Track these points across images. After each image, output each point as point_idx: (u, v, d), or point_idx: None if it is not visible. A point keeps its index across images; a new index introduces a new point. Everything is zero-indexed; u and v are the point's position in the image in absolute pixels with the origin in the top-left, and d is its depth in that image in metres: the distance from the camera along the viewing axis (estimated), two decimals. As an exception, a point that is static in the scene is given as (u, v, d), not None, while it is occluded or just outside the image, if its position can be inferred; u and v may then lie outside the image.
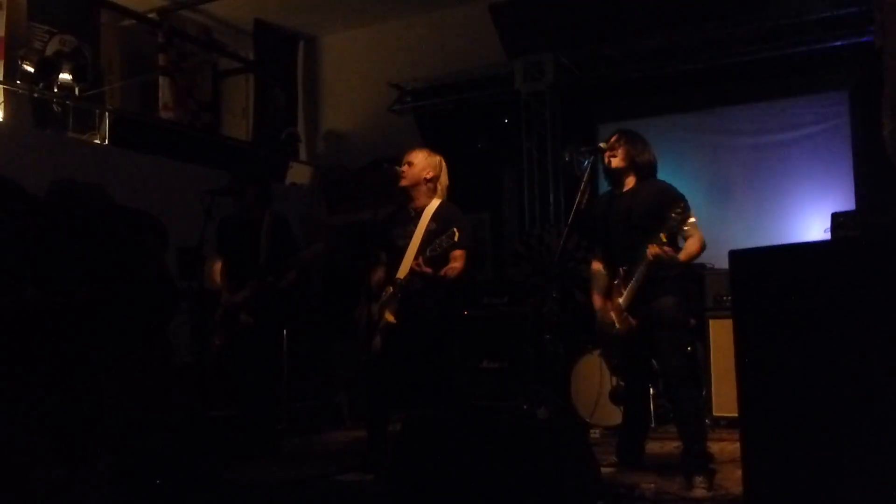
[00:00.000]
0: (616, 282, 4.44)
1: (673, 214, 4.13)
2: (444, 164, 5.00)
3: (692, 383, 4.42)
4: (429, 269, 4.61)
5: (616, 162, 4.50)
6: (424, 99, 9.18)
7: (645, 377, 4.86)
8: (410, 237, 4.83)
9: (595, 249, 4.81)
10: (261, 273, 5.51)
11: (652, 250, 4.15)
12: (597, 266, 4.71)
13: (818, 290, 2.84)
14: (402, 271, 4.74)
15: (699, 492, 4.04)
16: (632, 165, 4.50)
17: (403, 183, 4.90)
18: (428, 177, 4.91)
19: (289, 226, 5.83)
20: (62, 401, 1.50)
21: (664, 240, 4.13)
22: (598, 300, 4.62)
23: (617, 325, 4.42)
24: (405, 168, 4.92)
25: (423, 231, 4.80)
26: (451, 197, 5.03)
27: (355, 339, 4.96)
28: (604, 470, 4.27)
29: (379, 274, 4.97)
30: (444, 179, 4.97)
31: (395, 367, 4.79)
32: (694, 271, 5.43)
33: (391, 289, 4.77)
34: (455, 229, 4.53)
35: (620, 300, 4.39)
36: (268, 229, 5.61)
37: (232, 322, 5.55)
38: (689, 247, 4.32)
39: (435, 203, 4.90)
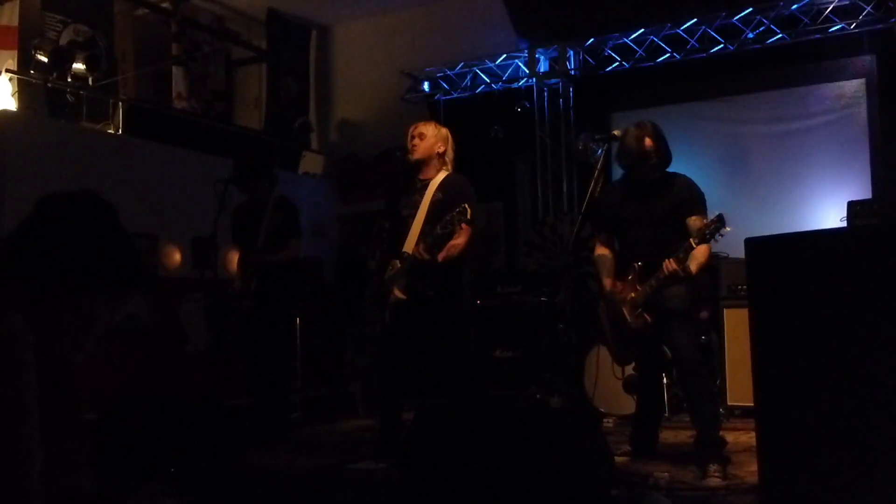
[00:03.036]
0: (630, 276, 4.40)
1: (707, 232, 4.09)
2: (451, 137, 4.93)
3: (704, 371, 4.38)
4: (427, 257, 4.49)
5: (644, 149, 4.31)
6: (438, 88, 9.16)
7: (658, 366, 4.83)
8: (416, 207, 4.74)
9: (600, 234, 4.71)
10: (257, 254, 5.50)
11: (668, 266, 4.13)
12: (601, 251, 4.63)
13: (835, 278, 2.81)
14: (409, 244, 4.63)
15: (713, 481, 4.01)
16: (657, 156, 4.36)
17: (416, 155, 4.81)
18: (440, 151, 4.85)
19: (293, 210, 5.76)
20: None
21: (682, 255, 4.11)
22: (608, 283, 4.54)
23: (629, 320, 4.39)
24: (416, 141, 4.83)
25: (428, 202, 4.70)
26: (459, 172, 4.93)
27: (365, 314, 4.87)
28: (617, 459, 4.27)
29: (383, 246, 4.86)
30: (450, 152, 4.90)
31: (407, 347, 4.73)
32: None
33: (398, 263, 4.65)
34: (466, 206, 4.39)
35: (634, 295, 4.37)
36: (270, 213, 5.59)
37: (240, 309, 5.55)
38: (700, 255, 4.22)
39: (442, 174, 4.82)
